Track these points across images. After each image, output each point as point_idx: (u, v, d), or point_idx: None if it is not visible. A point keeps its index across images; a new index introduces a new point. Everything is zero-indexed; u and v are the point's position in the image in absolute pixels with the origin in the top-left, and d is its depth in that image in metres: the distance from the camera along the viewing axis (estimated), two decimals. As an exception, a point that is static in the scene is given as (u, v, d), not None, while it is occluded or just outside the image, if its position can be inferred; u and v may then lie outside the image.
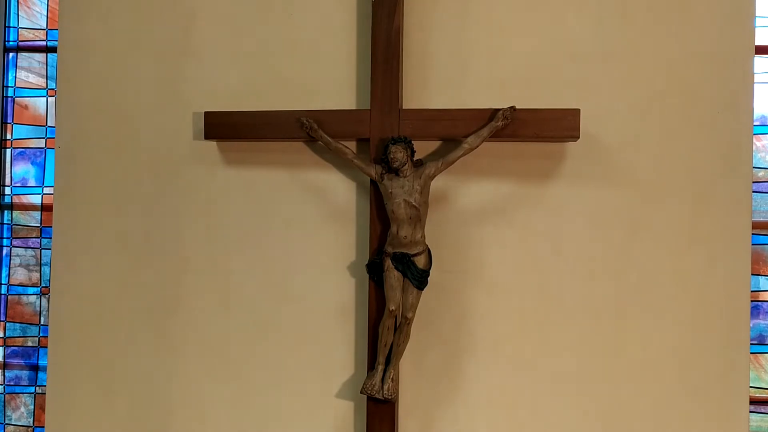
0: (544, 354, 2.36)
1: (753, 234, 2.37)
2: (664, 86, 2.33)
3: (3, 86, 3.23)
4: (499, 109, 2.19)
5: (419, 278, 2.18)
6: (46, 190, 3.22)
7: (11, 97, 3.26)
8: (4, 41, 3.23)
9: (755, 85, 2.35)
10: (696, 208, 2.32)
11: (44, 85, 3.27)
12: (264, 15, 2.48)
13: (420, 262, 2.18)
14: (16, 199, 3.25)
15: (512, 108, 2.18)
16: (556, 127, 2.21)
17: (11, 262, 3.25)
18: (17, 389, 3.26)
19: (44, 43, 3.27)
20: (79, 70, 2.58)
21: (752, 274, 2.39)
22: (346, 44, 2.43)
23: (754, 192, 2.42)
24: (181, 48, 2.52)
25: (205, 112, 2.39)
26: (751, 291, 2.42)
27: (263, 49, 2.47)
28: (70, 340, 2.58)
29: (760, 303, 2.93)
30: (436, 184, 2.22)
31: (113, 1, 2.56)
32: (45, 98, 3.26)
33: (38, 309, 3.24)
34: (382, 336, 2.22)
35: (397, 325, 2.22)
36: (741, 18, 2.33)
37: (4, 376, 3.26)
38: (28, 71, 3.28)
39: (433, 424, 2.40)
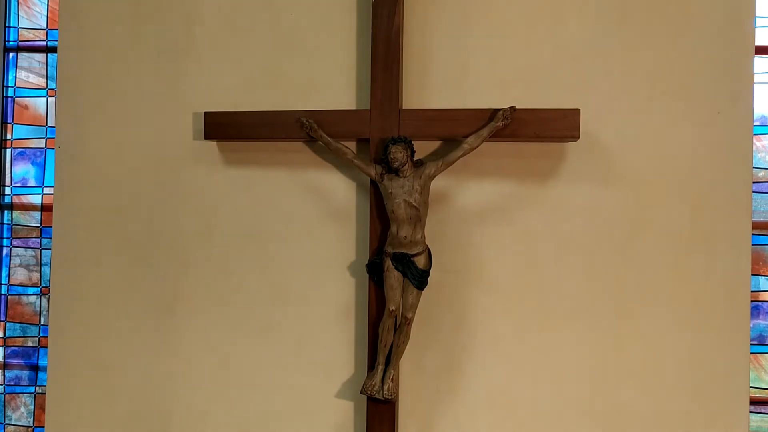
0: (544, 354, 2.36)
1: (753, 234, 2.37)
2: (664, 86, 2.33)
3: (3, 86, 3.23)
4: (499, 109, 2.19)
5: (419, 278, 2.18)
6: (46, 190, 3.21)
7: (11, 97, 3.26)
8: (4, 41, 3.23)
9: (755, 85, 2.35)
10: (696, 207, 2.32)
11: (44, 85, 3.27)
12: (264, 15, 2.48)
13: (420, 262, 2.18)
14: (16, 199, 3.25)
15: (512, 108, 2.18)
16: (556, 127, 2.21)
17: (11, 262, 3.25)
18: (17, 389, 3.26)
19: (44, 43, 3.26)
20: (79, 70, 2.58)
21: (752, 274, 2.39)
22: (346, 44, 2.43)
23: (754, 192, 2.42)
24: (181, 48, 2.52)
25: (205, 112, 2.39)
26: (751, 291, 2.41)
27: (263, 49, 2.47)
28: (70, 340, 2.58)
29: (760, 303, 2.92)
30: (436, 184, 2.22)
31: (113, 1, 2.56)
32: (45, 98, 3.26)
33: (38, 309, 3.24)
34: (382, 336, 2.21)
35: (397, 325, 2.22)
36: (741, 18, 2.33)
37: (4, 376, 3.26)
38: (28, 71, 3.28)
39: (433, 424, 2.40)
